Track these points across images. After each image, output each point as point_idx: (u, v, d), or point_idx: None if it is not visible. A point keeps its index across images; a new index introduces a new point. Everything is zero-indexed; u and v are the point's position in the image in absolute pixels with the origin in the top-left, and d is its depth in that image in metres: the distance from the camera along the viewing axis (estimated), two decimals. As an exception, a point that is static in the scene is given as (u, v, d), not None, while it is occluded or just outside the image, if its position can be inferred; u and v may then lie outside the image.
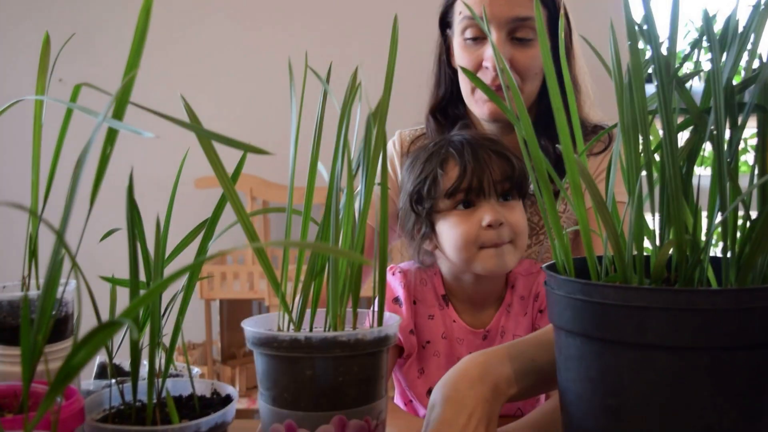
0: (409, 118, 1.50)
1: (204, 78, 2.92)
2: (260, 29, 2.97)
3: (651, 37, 0.68)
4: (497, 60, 0.84)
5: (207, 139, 0.73)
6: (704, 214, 0.76)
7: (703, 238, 0.74)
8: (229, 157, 0.75)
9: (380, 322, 0.84)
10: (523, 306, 1.26)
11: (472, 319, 1.27)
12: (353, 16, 2.93)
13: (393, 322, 0.85)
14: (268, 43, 2.95)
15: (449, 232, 1.17)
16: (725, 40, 0.73)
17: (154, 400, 0.78)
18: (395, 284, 1.27)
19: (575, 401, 0.75)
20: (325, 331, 0.82)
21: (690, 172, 0.76)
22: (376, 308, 0.85)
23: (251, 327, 0.81)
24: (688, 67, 0.81)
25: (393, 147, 1.50)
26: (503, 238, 1.15)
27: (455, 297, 1.28)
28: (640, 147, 0.71)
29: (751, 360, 0.68)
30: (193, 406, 0.81)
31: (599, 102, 1.40)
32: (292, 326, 0.85)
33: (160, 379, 0.80)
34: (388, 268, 1.28)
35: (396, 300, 1.26)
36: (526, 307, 1.26)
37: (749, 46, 0.73)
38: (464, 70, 0.96)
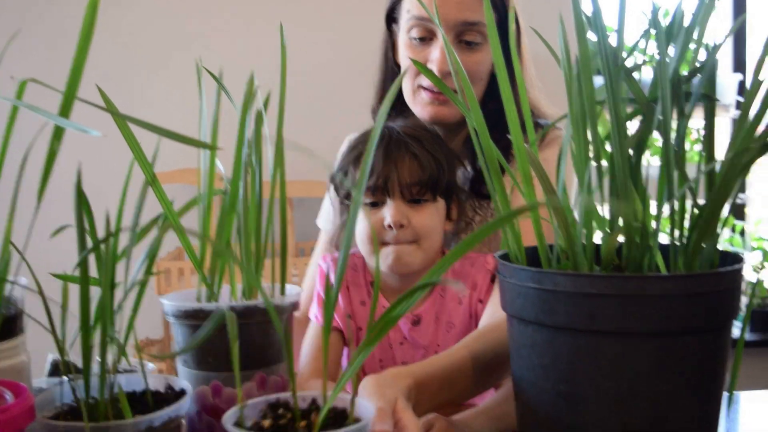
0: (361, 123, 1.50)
1: (161, 72, 2.89)
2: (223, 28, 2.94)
3: (598, 28, 0.69)
4: (452, 61, 0.84)
5: (125, 124, 0.75)
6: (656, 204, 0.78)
7: (653, 226, 0.75)
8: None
9: (282, 291, 0.94)
10: (458, 293, 1.27)
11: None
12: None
13: (295, 291, 0.94)
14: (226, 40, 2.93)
15: (358, 225, 1.22)
16: (672, 31, 0.74)
17: (107, 397, 0.78)
18: (329, 271, 1.28)
19: (528, 388, 0.76)
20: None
21: (639, 161, 0.77)
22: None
23: (173, 302, 0.88)
24: (641, 58, 0.82)
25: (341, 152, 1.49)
26: (404, 239, 1.19)
27: (383, 283, 1.29)
28: (589, 137, 0.72)
29: (700, 345, 0.70)
30: (146, 402, 0.81)
31: (551, 93, 1.41)
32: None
33: (113, 375, 0.79)
34: (321, 257, 1.34)
35: None
36: (462, 295, 1.26)
37: (695, 37, 0.75)
38: (416, 63, 0.94)
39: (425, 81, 1.31)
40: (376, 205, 1.21)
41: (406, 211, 1.19)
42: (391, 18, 1.41)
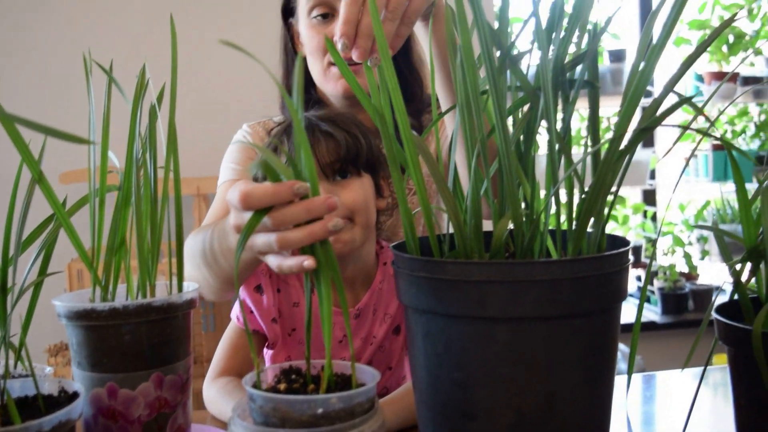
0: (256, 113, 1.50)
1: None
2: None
3: (477, 15, 0.69)
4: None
5: (10, 123, 0.72)
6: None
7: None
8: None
9: (180, 288, 0.93)
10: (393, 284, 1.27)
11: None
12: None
13: (192, 287, 0.93)
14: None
15: None
16: (554, 18, 0.75)
17: (-4, 403, 0.76)
18: (258, 272, 1.26)
19: (425, 377, 0.76)
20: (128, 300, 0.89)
21: (529, 148, 0.78)
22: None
23: (64, 302, 0.86)
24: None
25: (247, 138, 1.47)
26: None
27: None
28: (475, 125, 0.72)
29: (587, 327, 0.71)
30: (38, 407, 0.79)
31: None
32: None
33: (2, 381, 0.77)
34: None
35: (257, 288, 1.25)
36: None
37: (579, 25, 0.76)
38: (327, 41, 0.91)
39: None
40: None
41: (332, 190, 1.16)
42: (287, 11, 1.44)
